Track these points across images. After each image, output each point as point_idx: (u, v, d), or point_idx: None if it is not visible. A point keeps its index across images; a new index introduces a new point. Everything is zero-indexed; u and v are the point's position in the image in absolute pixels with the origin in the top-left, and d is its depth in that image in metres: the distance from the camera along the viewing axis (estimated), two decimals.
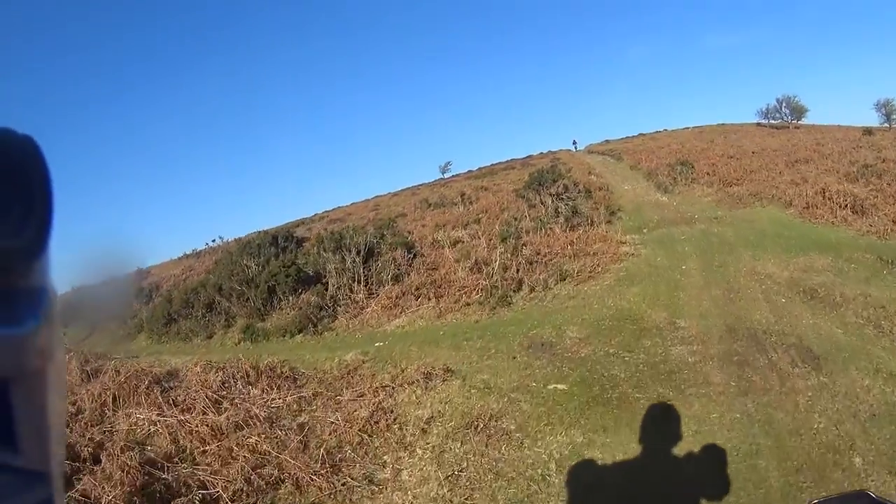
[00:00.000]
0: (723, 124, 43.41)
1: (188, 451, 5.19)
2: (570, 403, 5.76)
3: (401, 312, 9.80)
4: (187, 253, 28.38)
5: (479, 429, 5.45)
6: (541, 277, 9.68)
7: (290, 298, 11.81)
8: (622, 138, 43.67)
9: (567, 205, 13.87)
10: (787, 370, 5.86)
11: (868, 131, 27.64)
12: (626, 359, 6.65)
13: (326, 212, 34.39)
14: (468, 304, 9.30)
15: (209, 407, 5.79)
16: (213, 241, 23.84)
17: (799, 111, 37.85)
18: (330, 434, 5.54)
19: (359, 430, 5.53)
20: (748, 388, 5.62)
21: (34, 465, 0.41)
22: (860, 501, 1.23)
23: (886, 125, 32.05)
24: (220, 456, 5.02)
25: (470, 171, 39.02)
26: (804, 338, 6.54)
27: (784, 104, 38.30)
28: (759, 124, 39.70)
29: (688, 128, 43.93)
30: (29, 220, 0.37)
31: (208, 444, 5.22)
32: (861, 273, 8.45)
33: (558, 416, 5.56)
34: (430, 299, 9.75)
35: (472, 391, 6.21)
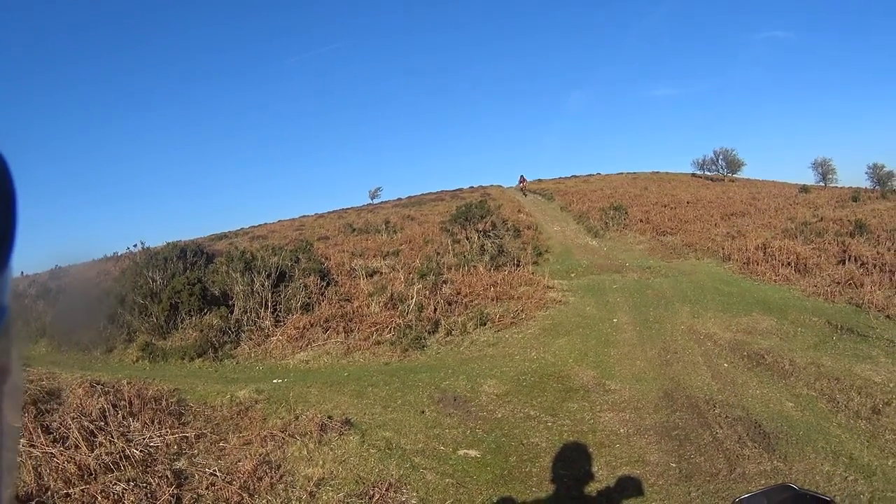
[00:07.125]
0: (657, 172, 44.22)
1: (51, 493, 4.63)
2: (481, 475, 5.05)
3: (307, 345, 9.06)
4: (107, 255, 26.63)
5: (373, 500, 4.71)
6: (459, 320, 9.14)
7: (194, 318, 10.93)
8: (555, 178, 43.32)
9: (494, 243, 13.42)
10: (734, 450, 5.21)
11: (805, 189, 28.87)
12: (549, 424, 6.00)
13: (252, 227, 33.02)
14: (378, 343, 8.65)
15: (82, 440, 5.28)
16: (135, 245, 22.31)
17: (735, 164, 39.07)
18: (207, 488, 4.90)
19: (239, 488, 4.87)
20: (691, 471, 4.94)
21: None
22: (783, 494, 1.24)
23: (822, 184, 32.98)
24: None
25: (399, 199, 38.13)
26: (752, 411, 5.96)
27: (721, 156, 39.59)
28: (694, 175, 40.92)
29: (622, 173, 44.39)
30: None
31: (73, 486, 4.73)
32: (809, 338, 8.04)
33: (467, 491, 4.80)
34: (339, 333, 9.05)
35: (372, 451, 5.45)
